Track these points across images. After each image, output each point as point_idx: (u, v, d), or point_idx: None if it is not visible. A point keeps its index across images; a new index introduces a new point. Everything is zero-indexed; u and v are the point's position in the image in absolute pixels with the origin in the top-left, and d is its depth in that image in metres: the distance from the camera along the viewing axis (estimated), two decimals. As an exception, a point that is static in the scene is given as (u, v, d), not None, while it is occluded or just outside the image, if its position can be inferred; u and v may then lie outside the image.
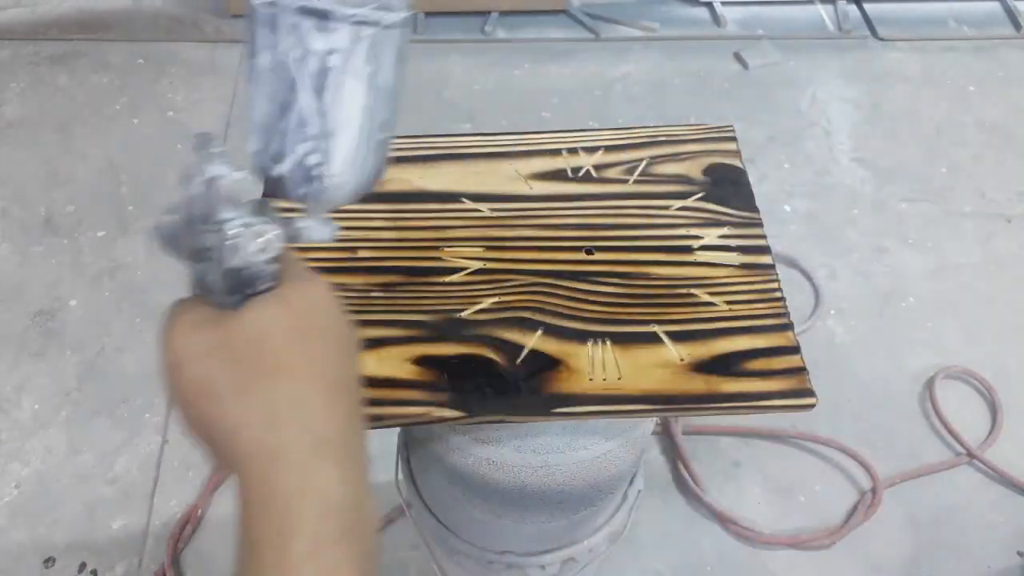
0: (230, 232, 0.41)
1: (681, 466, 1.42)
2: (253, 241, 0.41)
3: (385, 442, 1.41)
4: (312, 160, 0.44)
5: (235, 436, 0.39)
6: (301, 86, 0.43)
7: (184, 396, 0.40)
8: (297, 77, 0.43)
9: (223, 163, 0.42)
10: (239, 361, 0.39)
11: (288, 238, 0.44)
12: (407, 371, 0.63)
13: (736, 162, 0.79)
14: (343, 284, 0.69)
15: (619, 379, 0.63)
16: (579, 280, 0.69)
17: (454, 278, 0.69)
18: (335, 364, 0.42)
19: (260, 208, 0.44)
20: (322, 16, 0.42)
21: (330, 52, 0.42)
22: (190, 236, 0.43)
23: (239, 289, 0.42)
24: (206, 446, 0.41)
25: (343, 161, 0.44)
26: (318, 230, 0.46)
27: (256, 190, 0.44)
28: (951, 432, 1.48)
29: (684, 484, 1.40)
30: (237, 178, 0.42)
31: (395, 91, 0.46)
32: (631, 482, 0.90)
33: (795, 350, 0.65)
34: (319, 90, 0.43)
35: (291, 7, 0.42)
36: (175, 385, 0.41)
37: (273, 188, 0.46)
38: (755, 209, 0.75)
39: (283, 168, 0.44)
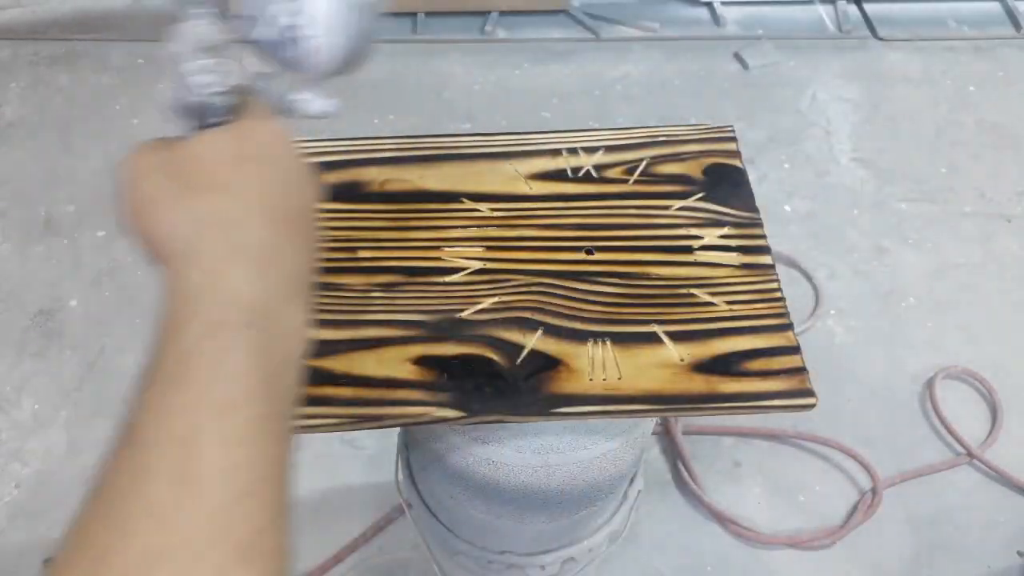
0: (184, 66, 0.44)
1: (681, 466, 1.42)
2: (203, 75, 0.43)
3: (385, 442, 1.42)
4: (287, 21, 0.44)
5: (166, 239, 0.41)
6: None
7: (131, 208, 0.43)
8: None
9: (204, 18, 0.44)
10: (180, 176, 0.42)
11: (282, 109, 0.46)
12: (407, 371, 0.63)
13: (736, 162, 0.79)
14: (343, 284, 0.69)
15: (619, 379, 0.63)
16: (579, 280, 0.69)
17: (454, 278, 0.69)
18: (272, 186, 0.43)
19: (226, 57, 0.45)
20: None
21: None
22: (174, 95, 0.46)
23: (194, 121, 0.45)
24: (146, 254, 0.43)
25: (321, 21, 0.44)
26: (316, 103, 0.47)
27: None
28: (951, 432, 1.48)
29: (684, 484, 1.40)
30: (204, 22, 0.43)
31: None
32: (631, 482, 0.90)
33: (795, 350, 0.65)
34: None
35: None
36: (125, 200, 0.43)
37: (258, 54, 0.46)
38: (755, 209, 0.75)
39: (260, 31, 0.45)
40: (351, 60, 0.47)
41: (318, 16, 0.44)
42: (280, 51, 0.45)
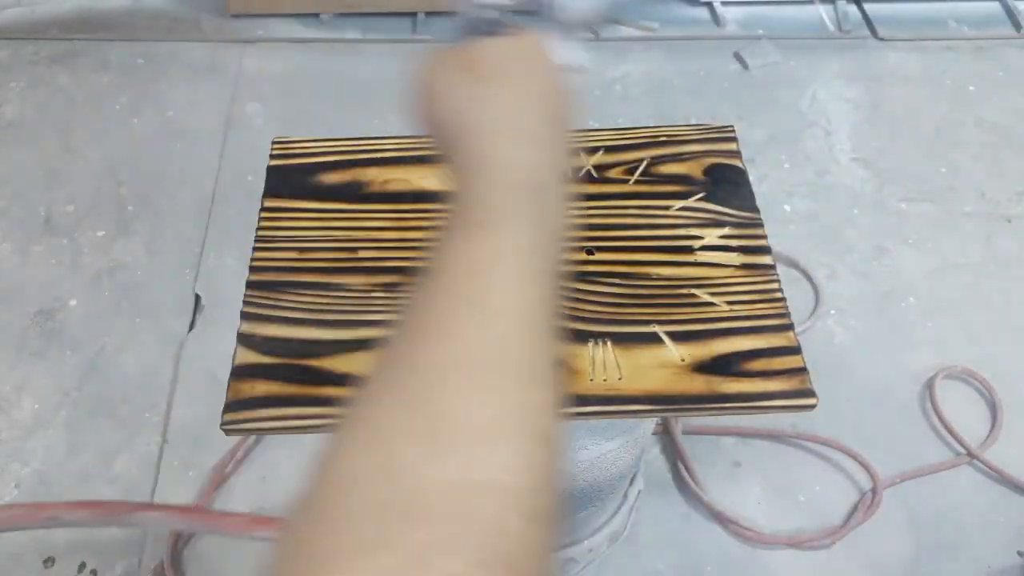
0: None
1: (681, 466, 1.42)
2: None
3: (385, 442, 1.42)
4: None
5: (459, 119, 0.48)
6: None
7: (427, 95, 0.50)
8: None
9: None
10: (471, 69, 0.49)
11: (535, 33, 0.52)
12: (408, 371, 0.63)
13: (736, 162, 0.79)
14: (344, 284, 0.69)
15: (620, 379, 0.63)
16: (580, 280, 0.69)
17: (454, 278, 0.69)
18: (546, 89, 0.50)
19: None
20: None
21: None
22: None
23: (475, 35, 0.52)
24: (436, 135, 0.50)
25: None
26: (570, 52, 0.53)
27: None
28: (951, 432, 1.48)
29: (684, 484, 1.40)
30: None
31: None
32: (631, 482, 0.90)
33: (795, 350, 0.65)
34: None
35: None
36: (422, 91, 0.51)
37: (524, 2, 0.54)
38: (755, 209, 0.75)
39: None
40: (597, 13, 0.54)
41: None
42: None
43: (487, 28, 0.52)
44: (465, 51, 0.52)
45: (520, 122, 0.48)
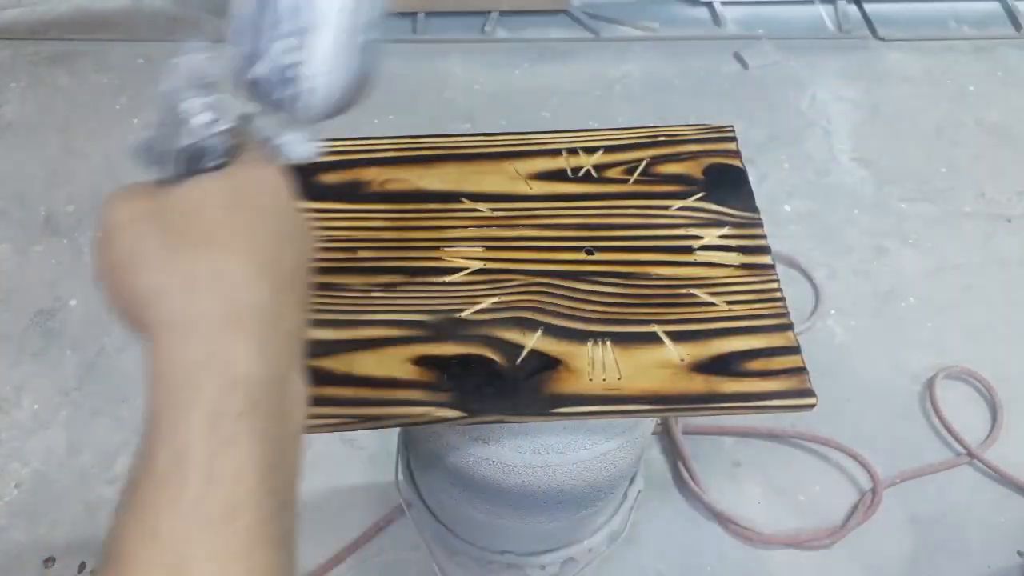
0: (181, 105, 0.40)
1: (681, 466, 1.42)
2: (202, 113, 0.40)
3: (385, 442, 1.42)
4: (287, 59, 0.41)
5: (150, 303, 0.37)
6: None
7: (110, 263, 0.39)
8: None
9: (202, 52, 0.41)
10: (167, 229, 0.38)
11: (267, 150, 0.43)
12: (407, 371, 0.63)
13: (736, 162, 0.79)
14: (343, 284, 0.69)
15: (619, 379, 0.63)
16: (579, 280, 0.69)
17: (454, 278, 0.69)
18: (271, 242, 0.39)
19: (222, 100, 0.42)
20: None
21: None
22: (160, 136, 0.41)
23: (186, 165, 0.40)
24: (124, 317, 0.39)
25: (321, 61, 0.42)
26: (299, 146, 0.44)
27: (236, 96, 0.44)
28: (951, 432, 1.48)
29: (684, 484, 1.40)
30: (202, 57, 0.40)
31: None
32: (631, 482, 0.90)
33: (795, 350, 0.65)
34: None
35: None
36: (102, 254, 0.39)
37: (251, 94, 0.44)
38: (755, 209, 0.75)
39: (258, 69, 0.42)
40: (347, 102, 0.44)
41: (320, 55, 0.42)
42: (274, 90, 0.43)
43: (202, 155, 0.40)
44: (163, 196, 0.39)
45: (239, 301, 0.37)
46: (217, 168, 0.40)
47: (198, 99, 0.40)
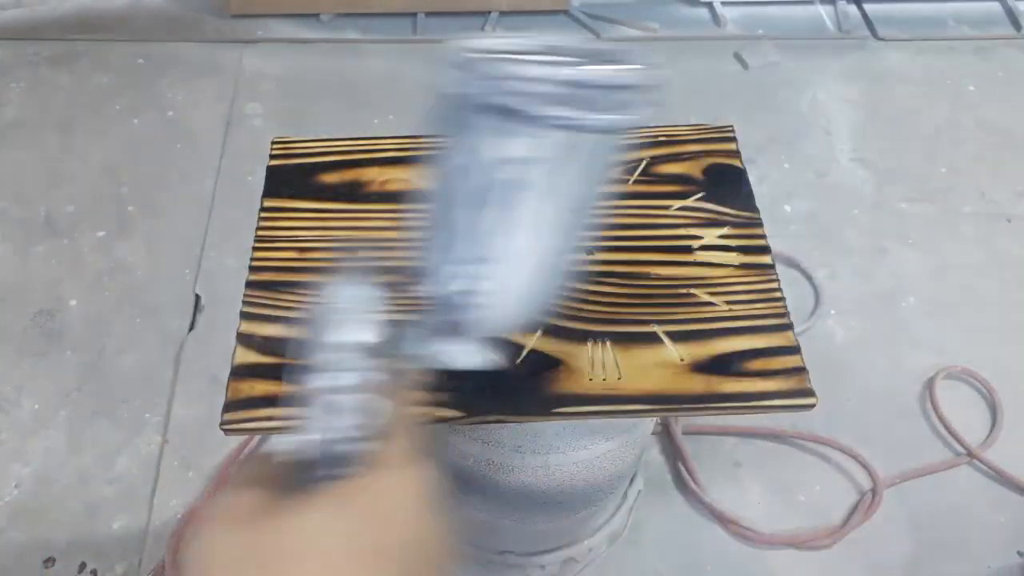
0: (317, 399, 0.33)
1: (681, 466, 1.42)
2: (323, 415, 0.33)
3: (385, 442, 1.42)
4: (468, 285, 0.38)
5: None
6: (469, 197, 0.36)
7: None
8: (466, 185, 0.36)
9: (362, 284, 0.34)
10: (276, 556, 0.31)
11: (434, 362, 0.38)
12: (407, 371, 0.63)
13: (736, 162, 0.79)
14: (343, 284, 0.69)
15: (619, 379, 0.63)
16: (579, 280, 0.69)
17: (454, 278, 0.69)
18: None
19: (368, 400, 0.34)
20: (506, 115, 0.34)
21: (508, 160, 0.34)
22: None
23: (309, 469, 0.34)
24: None
25: (507, 288, 0.38)
26: (470, 355, 0.40)
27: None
28: (951, 432, 1.48)
29: (684, 484, 1.40)
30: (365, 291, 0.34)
31: (582, 210, 0.38)
32: (631, 482, 0.90)
33: (795, 350, 0.65)
34: (489, 203, 0.36)
35: (473, 101, 0.34)
36: None
37: (431, 307, 0.40)
38: (755, 209, 0.75)
39: (441, 288, 0.39)
40: (521, 327, 0.41)
41: (510, 283, 0.37)
42: (453, 310, 0.39)
43: (324, 462, 0.34)
44: (266, 526, 0.32)
45: None
46: (335, 477, 0.33)
47: (344, 381, 0.34)
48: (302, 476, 0.33)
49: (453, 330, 0.39)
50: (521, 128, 0.34)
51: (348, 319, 0.35)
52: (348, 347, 0.34)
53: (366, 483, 0.33)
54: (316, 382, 0.34)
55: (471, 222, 0.36)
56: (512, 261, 0.37)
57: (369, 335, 0.35)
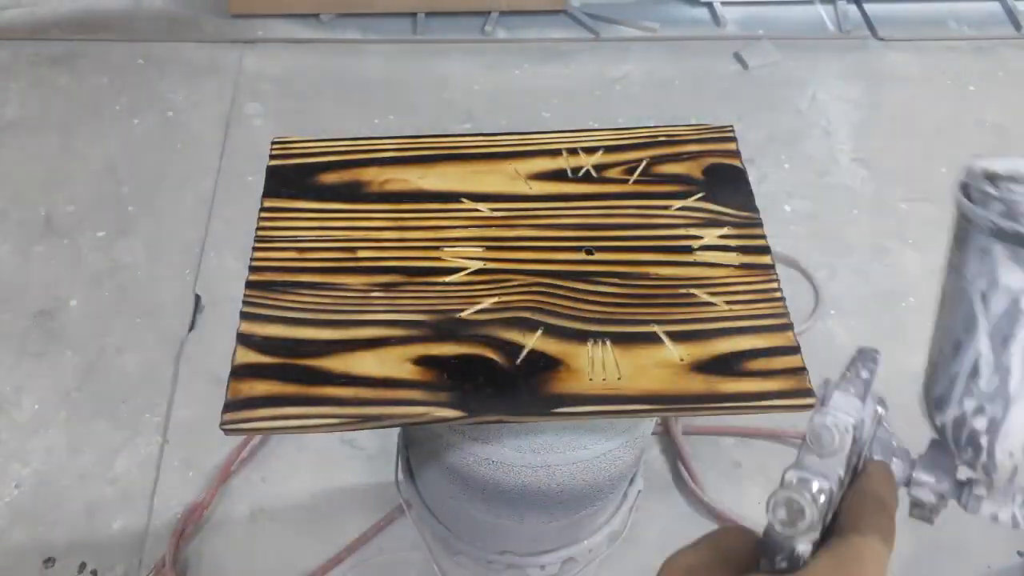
0: (783, 492, 0.33)
1: (681, 466, 1.42)
2: (782, 508, 0.33)
3: (385, 442, 1.42)
4: (978, 424, 0.35)
5: None
6: (980, 326, 0.34)
7: None
8: (978, 313, 0.34)
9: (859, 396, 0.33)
10: None
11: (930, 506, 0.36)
12: (407, 371, 0.63)
13: (736, 162, 0.79)
14: (343, 284, 0.69)
15: (619, 379, 0.63)
16: (579, 280, 0.69)
17: (454, 278, 0.69)
18: None
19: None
20: (1022, 244, 0.32)
21: None
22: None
23: (767, 553, 0.34)
24: None
25: (1017, 437, 0.34)
26: (1003, 510, 0.37)
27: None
28: (951, 432, 1.48)
29: (684, 484, 1.40)
30: (845, 419, 0.33)
31: None
32: (631, 482, 0.90)
33: (795, 350, 0.65)
34: (1003, 337, 0.33)
35: (986, 225, 0.33)
36: None
37: (934, 440, 0.37)
38: (755, 209, 0.75)
39: (943, 418, 0.37)
40: None
41: (1012, 432, 0.34)
42: (957, 446, 0.37)
43: (774, 550, 0.33)
44: None
45: None
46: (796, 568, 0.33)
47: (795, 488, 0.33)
48: (761, 563, 0.33)
49: (970, 465, 0.37)
50: (1015, 254, 0.33)
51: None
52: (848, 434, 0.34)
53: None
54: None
55: (996, 355, 0.34)
56: (1019, 403, 0.34)
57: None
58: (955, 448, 0.37)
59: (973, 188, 0.34)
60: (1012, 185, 0.33)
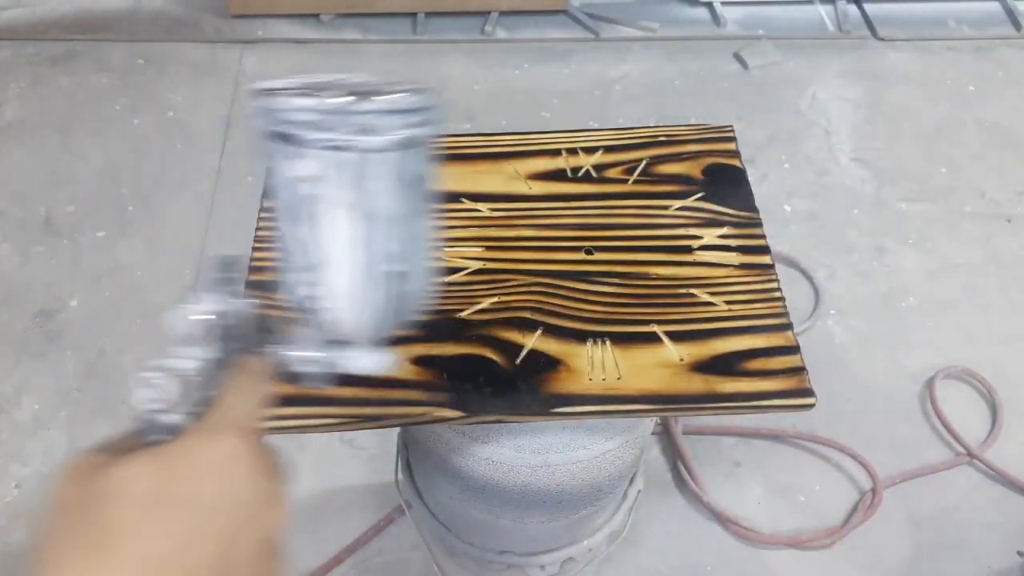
0: (139, 374, 0.38)
1: (681, 466, 1.42)
2: (145, 388, 0.37)
3: (385, 442, 1.42)
4: (302, 292, 0.42)
5: None
6: (286, 212, 0.41)
7: (34, 552, 0.34)
8: (280, 202, 0.41)
9: (224, 296, 0.40)
10: (84, 518, 0.34)
11: (325, 366, 0.43)
12: (407, 371, 0.63)
13: (736, 162, 0.79)
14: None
15: (619, 379, 0.63)
16: (579, 280, 0.69)
17: (454, 278, 0.69)
18: (192, 545, 0.34)
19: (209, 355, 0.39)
20: (288, 141, 0.39)
21: (304, 179, 0.39)
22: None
23: (142, 433, 0.38)
24: None
25: (338, 294, 0.41)
26: (364, 359, 0.43)
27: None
28: (951, 432, 1.48)
29: (684, 484, 1.40)
30: (198, 312, 0.39)
31: (404, 219, 0.42)
32: (631, 482, 0.90)
33: (794, 350, 0.65)
34: (294, 219, 0.41)
35: (264, 130, 0.39)
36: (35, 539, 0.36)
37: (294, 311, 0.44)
38: (755, 209, 0.75)
39: (292, 300, 0.43)
40: (381, 329, 0.43)
41: (338, 289, 0.41)
42: (304, 316, 0.43)
43: (147, 429, 0.37)
44: (100, 476, 0.35)
45: None
46: (159, 443, 0.37)
47: (162, 363, 0.38)
48: (137, 442, 0.38)
49: (324, 330, 0.43)
50: (300, 151, 0.39)
51: (211, 297, 0.40)
52: (202, 324, 0.40)
53: (177, 444, 0.36)
54: (173, 353, 0.39)
55: (293, 234, 0.41)
56: (334, 269, 0.41)
57: (226, 317, 0.40)
58: (310, 320, 0.43)
59: (255, 106, 0.40)
60: (271, 96, 0.39)
